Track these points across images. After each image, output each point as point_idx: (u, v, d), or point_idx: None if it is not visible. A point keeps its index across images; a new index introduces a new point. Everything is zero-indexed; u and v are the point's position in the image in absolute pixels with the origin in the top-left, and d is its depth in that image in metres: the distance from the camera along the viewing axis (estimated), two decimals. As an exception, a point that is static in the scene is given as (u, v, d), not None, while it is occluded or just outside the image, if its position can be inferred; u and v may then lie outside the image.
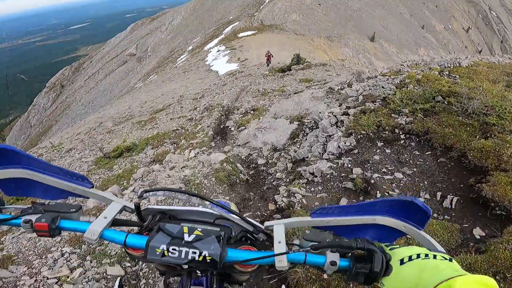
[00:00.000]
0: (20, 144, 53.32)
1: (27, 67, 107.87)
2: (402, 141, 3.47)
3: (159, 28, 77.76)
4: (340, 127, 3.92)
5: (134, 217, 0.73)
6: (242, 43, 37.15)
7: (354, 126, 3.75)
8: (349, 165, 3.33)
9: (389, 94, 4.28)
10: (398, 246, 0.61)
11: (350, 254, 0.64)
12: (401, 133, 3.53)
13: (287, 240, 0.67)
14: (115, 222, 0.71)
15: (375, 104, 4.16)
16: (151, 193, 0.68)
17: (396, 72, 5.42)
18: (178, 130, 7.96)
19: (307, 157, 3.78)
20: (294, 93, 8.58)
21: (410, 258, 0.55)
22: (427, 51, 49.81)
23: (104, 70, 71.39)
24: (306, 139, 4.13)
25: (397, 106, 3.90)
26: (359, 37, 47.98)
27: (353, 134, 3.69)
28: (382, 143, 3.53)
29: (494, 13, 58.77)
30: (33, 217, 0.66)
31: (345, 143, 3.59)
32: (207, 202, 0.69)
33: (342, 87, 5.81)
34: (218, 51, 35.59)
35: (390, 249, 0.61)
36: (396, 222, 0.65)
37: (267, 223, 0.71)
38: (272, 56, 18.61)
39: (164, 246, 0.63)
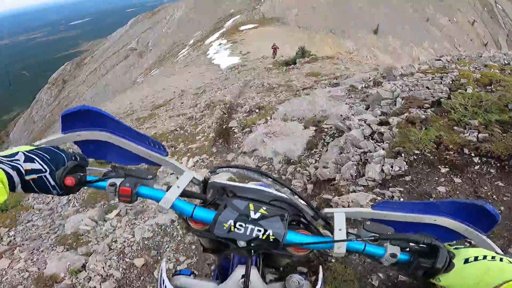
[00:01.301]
0: (24, 139, 52.88)
1: (29, 63, 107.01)
2: (476, 167, 2.47)
3: (160, 22, 76.39)
4: (379, 142, 2.94)
5: (195, 190, 0.72)
6: (244, 36, 36.41)
7: (402, 142, 2.74)
8: (401, 199, 2.45)
9: (442, 98, 3.28)
10: (463, 246, 0.59)
11: (408, 249, 0.60)
12: (473, 154, 2.52)
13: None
14: (182, 193, 0.68)
15: (425, 112, 3.14)
16: (224, 169, 0.68)
17: (440, 69, 4.37)
18: (177, 130, 7.14)
19: (335, 180, 2.83)
20: (303, 89, 7.71)
21: (476, 259, 0.53)
22: (432, 44, 48.40)
23: (105, 65, 70.52)
24: (327, 151, 3.24)
25: (461, 115, 2.87)
26: (362, 31, 46.69)
27: (402, 154, 2.67)
28: (447, 169, 2.51)
29: (500, 6, 56.79)
30: (117, 181, 0.65)
31: (391, 166, 2.60)
32: (269, 181, 0.66)
33: (366, 85, 4.91)
34: (219, 44, 35.02)
35: (455, 248, 0.59)
36: (458, 224, 0.63)
37: (326, 210, 0.69)
38: (278, 48, 18.71)
39: (231, 222, 0.62)
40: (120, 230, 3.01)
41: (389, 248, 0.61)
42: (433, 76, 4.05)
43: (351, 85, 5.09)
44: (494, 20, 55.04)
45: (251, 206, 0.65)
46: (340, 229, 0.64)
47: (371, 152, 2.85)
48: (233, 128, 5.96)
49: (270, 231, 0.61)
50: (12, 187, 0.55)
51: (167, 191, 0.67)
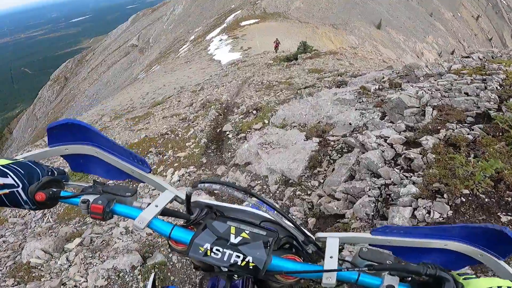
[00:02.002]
0: (27, 136, 52.76)
1: (30, 60, 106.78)
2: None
3: (160, 18, 75.54)
4: (407, 172, 2.08)
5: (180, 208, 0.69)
6: (245, 31, 35.84)
7: (443, 176, 1.90)
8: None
9: (491, 110, 2.44)
10: (474, 276, 0.53)
11: (410, 278, 0.56)
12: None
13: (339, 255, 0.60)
14: (163, 212, 0.65)
15: (470, 129, 2.29)
16: (206, 184, 0.61)
17: (478, 69, 3.46)
18: (167, 134, 6.50)
19: (344, 217, 2.08)
20: (305, 87, 7.00)
21: None
22: (436, 39, 47.14)
23: (106, 62, 70.09)
24: (333, 170, 2.52)
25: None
26: (365, 25, 45.63)
27: (444, 195, 1.84)
28: (509, 217, 1.74)
29: (504, 2, 55.06)
30: (90, 198, 0.63)
31: (428, 212, 1.78)
32: (255, 200, 0.61)
33: (380, 87, 4.13)
34: (220, 40, 34.60)
35: (464, 279, 0.52)
36: (472, 249, 0.58)
37: (319, 234, 0.64)
38: (280, 43, 18.38)
39: (208, 245, 0.58)
40: (74, 268, 2.39)
41: (385, 279, 0.54)
42: (472, 78, 3.16)
43: (361, 87, 4.25)
44: (498, 16, 53.50)
45: (232, 229, 0.61)
46: (331, 257, 0.58)
47: (395, 185, 2.06)
48: (227, 133, 5.30)
49: (249, 258, 0.57)
50: None
51: (143, 209, 0.63)
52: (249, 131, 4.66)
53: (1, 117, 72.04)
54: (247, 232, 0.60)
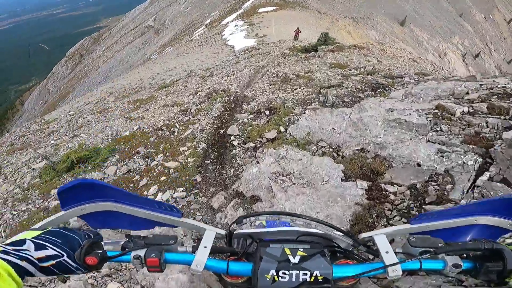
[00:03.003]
0: (38, 109, 52.95)
1: (49, 37, 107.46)
2: None
3: (178, 0, 73.61)
4: None
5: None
6: (262, 19, 34.29)
7: None
8: None
9: None
10: None
11: (466, 255, 0.59)
12: None
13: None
14: (211, 250, 0.65)
15: None
16: (252, 218, 0.67)
17: None
18: (162, 130, 5.42)
19: None
20: (329, 87, 5.75)
21: None
22: (462, 40, 44.15)
23: (122, 41, 69.29)
24: None
25: None
26: (387, 21, 43.10)
27: None
28: None
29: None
30: (141, 252, 0.61)
31: None
32: (298, 220, 0.68)
33: (470, 109, 2.69)
34: (236, 25, 33.38)
35: None
36: (501, 220, 0.61)
37: (363, 235, 0.66)
38: (300, 32, 17.94)
39: (273, 272, 0.58)
40: None
41: (449, 260, 0.57)
42: None
43: (438, 106, 2.79)
44: (533, 18, 49.62)
45: (287, 250, 0.61)
46: (387, 252, 0.60)
47: None
48: (232, 138, 4.17)
49: (316, 272, 0.58)
50: (23, 275, 0.54)
51: (193, 252, 0.63)
52: (260, 141, 3.53)
53: (14, 89, 72.68)
54: (301, 249, 0.61)
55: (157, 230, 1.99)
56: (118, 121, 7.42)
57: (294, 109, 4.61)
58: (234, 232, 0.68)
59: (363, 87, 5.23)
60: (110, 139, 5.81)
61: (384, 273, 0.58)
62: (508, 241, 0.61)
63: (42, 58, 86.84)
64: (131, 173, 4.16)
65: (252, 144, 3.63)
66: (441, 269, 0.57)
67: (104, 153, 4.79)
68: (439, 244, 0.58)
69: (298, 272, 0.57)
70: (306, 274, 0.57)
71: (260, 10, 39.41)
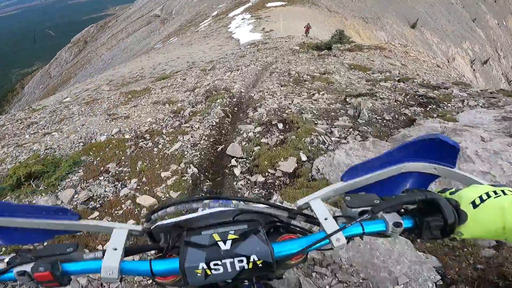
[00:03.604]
0: (38, 93, 51.77)
1: (56, 23, 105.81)
2: None
3: (187, -10, 71.71)
4: None
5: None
6: (270, 13, 32.93)
7: None
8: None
9: None
10: (455, 189, 0.52)
11: (403, 210, 0.54)
12: None
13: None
14: (127, 252, 0.54)
15: None
16: (160, 212, 0.54)
17: None
18: (144, 139, 4.20)
19: None
20: (357, 96, 4.52)
21: (481, 199, 0.48)
22: (473, 45, 42.51)
23: (127, 29, 67.76)
24: None
25: None
26: (398, 22, 41.52)
27: None
28: None
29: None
30: (27, 267, 0.51)
31: None
32: (219, 202, 0.54)
33: None
34: (242, 19, 32.13)
35: (451, 194, 0.52)
36: (426, 165, 0.58)
37: (299, 202, 0.58)
38: (311, 28, 17.52)
39: (203, 264, 0.49)
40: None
41: (388, 218, 0.52)
42: None
43: None
44: (546, 27, 47.73)
45: (216, 236, 0.52)
46: (325, 218, 0.54)
47: None
48: (232, 163, 2.94)
49: (253, 256, 0.49)
50: None
51: (103, 257, 0.52)
52: (273, 174, 2.34)
53: (16, 73, 71.34)
54: (232, 232, 0.52)
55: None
56: (99, 118, 6.20)
57: (317, 124, 3.39)
58: (154, 226, 0.55)
59: (405, 99, 3.99)
60: (81, 145, 4.60)
61: (329, 244, 0.50)
62: (451, 189, 0.48)
63: (47, 43, 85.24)
64: (91, 203, 2.96)
65: (261, 178, 2.44)
66: (384, 231, 0.52)
67: (65, 167, 3.58)
68: (375, 201, 0.53)
69: (232, 260, 0.49)
70: (242, 261, 0.49)
71: (269, 4, 38.00)
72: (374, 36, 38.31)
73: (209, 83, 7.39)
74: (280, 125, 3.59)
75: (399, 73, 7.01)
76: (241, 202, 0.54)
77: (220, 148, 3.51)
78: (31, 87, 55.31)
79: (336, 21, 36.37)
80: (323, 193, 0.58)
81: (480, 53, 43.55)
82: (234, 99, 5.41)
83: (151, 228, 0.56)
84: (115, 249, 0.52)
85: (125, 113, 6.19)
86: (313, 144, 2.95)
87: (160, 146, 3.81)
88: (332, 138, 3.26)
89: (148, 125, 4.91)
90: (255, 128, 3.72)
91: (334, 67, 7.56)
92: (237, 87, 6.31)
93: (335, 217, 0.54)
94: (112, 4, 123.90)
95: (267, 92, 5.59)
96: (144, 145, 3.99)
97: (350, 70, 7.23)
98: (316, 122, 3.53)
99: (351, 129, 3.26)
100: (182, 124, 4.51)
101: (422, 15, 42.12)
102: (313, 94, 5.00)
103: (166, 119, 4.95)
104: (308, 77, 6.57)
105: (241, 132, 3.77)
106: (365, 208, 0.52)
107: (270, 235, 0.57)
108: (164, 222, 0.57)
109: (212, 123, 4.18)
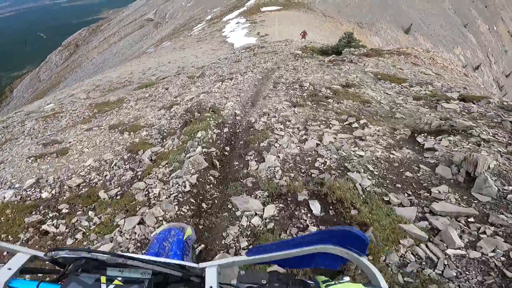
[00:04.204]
0: (27, 97, 48.93)
1: (49, 26, 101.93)
2: None
3: (181, -6, 69.58)
4: None
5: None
6: (265, 18, 31.21)
7: None
8: None
9: None
10: (334, 283, 0.56)
11: None
12: None
13: (225, 281, 0.60)
14: (27, 271, 0.59)
15: None
16: (62, 252, 0.57)
17: None
18: (59, 213, 2.15)
19: None
20: (437, 133, 2.58)
21: None
22: (464, 51, 41.53)
23: (119, 33, 65.24)
24: None
25: None
26: (392, 28, 40.34)
27: None
28: None
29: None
30: None
31: None
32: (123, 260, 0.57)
33: None
34: (237, 23, 30.36)
35: (326, 286, 0.57)
36: (339, 250, 0.62)
37: (201, 265, 0.61)
38: (307, 34, 16.78)
39: None
40: None
41: None
42: None
43: None
44: (535, 34, 47.18)
45: (103, 278, 0.55)
46: (211, 287, 0.56)
47: None
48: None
49: None
50: None
51: None
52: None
53: (6, 76, 67.94)
54: (120, 279, 0.55)
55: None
56: (28, 150, 4.13)
57: (390, 202, 1.48)
58: (63, 255, 0.58)
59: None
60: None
61: None
62: (323, 278, 0.55)
63: (39, 47, 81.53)
64: None
65: None
66: None
67: None
68: (263, 281, 0.57)
69: None
70: None
71: (264, 9, 36.32)
72: (369, 41, 36.96)
73: (193, 97, 5.40)
74: (315, 206, 1.64)
75: (442, 86, 5.15)
76: (140, 262, 0.55)
77: (197, 251, 1.56)
78: (20, 90, 52.23)
79: (331, 26, 34.86)
80: (223, 262, 0.61)
81: (472, 59, 42.66)
82: (225, 129, 3.42)
83: (55, 257, 0.57)
84: (9, 269, 0.55)
85: (69, 143, 4.13)
86: (405, 270, 1.06)
87: (78, 237, 1.80)
88: (449, 251, 1.35)
89: (83, 175, 2.89)
90: (264, 205, 1.76)
91: (357, 76, 5.65)
92: (230, 106, 4.32)
93: (227, 284, 0.58)
94: (106, 7, 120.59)
95: (274, 116, 3.63)
96: (52, 228, 1.97)
97: (379, 82, 5.34)
98: (387, 198, 1.62)
99: (476, 223, 1.39)
100: (134, 182, 2.50)
101: (415, 21, 40.95)
102: (350, 124, 3.05)
103: (115, 166, 2.93)
104: (329, 91, 4.63)
105: (238, 215, 1.81)
106: (251, 285, 0.56)
107: (162, 284, 0.58)
108: (69, 255, 0.58)
109: (184, 187, 2.18)
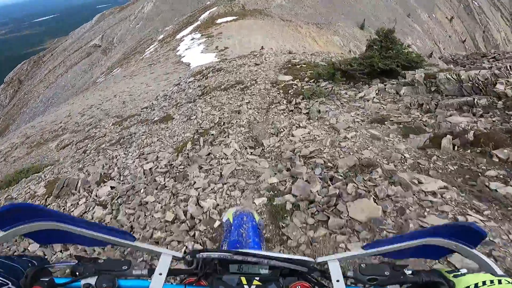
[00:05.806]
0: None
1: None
2: None
3: (128, 17, 63.59)
4: None
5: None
6: (221, 30, 27.76)
7: None
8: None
9: None
10: (461, 273, 0.54)
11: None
12: None
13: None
14: (168, 274, 0.60)
15: None
16: (204, 254, 0.59)
17: None
18: None
19: None
20: None
21: (476, 286, 0.49)
22: (414, 40, 41.90)
23: (65, 63, 57.51)
24: None
25: None
26: (349, 25, 39.26)
27: None
28: None
29: (476, 3, 51.02)
30: (91, 280, 0.54)
31: None
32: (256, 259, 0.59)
33: None
34: (192, 39, 26.52)
35: (454, 276, 0.54)
36: (448, 242, 0.61)
37: (319, 259, 0.62)
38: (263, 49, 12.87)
39: None
40: None
41: None
42: None
43: None
44: (470, 17, 49.56)
45: (243, 279, 0.58)
46: (337, 280, 0.57)
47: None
48: None
49: None
50: None
51: (149, 276, 0.56)
52: None
53: None
54: (257, 278, 0.58)
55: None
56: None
57: None
58: (197, 256, 0.60)
59: None
60: None
61: None
62: (446, 268, 0.55)
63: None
64: None
65: None
66: None
67: None
68: (385, 273, 0.57)
69: None
70: None
71: (219, 20, 32.85)
72: (330, 41, 35.18)
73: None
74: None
75: None
76: (272, 261, 0.57)
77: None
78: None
79: (291, 30, 32.49)
80: (343, 256, 0.61)
81: (423, 47, 43.13)
82: None
83: (195, 256, 0.59)
84: (160, 274, 0.56)
85: None
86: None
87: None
88: None
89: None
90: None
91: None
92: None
93: (346, 277, 0.58)
94: (49, 37, 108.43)
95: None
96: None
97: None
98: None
99: None
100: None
101: (367, 16, 40.43)
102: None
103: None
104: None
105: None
106: (373, 277, 0.56)
107: (286, 276, 0.60)
108: (205, 254, 0.60)
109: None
